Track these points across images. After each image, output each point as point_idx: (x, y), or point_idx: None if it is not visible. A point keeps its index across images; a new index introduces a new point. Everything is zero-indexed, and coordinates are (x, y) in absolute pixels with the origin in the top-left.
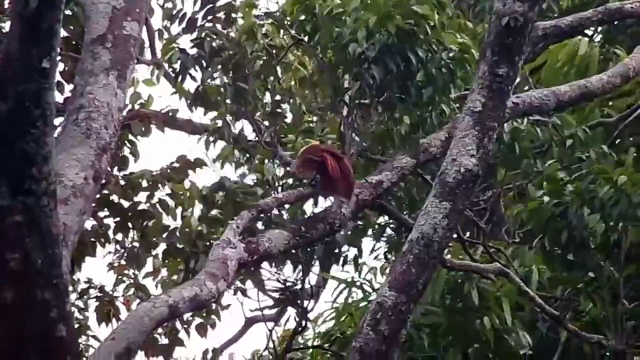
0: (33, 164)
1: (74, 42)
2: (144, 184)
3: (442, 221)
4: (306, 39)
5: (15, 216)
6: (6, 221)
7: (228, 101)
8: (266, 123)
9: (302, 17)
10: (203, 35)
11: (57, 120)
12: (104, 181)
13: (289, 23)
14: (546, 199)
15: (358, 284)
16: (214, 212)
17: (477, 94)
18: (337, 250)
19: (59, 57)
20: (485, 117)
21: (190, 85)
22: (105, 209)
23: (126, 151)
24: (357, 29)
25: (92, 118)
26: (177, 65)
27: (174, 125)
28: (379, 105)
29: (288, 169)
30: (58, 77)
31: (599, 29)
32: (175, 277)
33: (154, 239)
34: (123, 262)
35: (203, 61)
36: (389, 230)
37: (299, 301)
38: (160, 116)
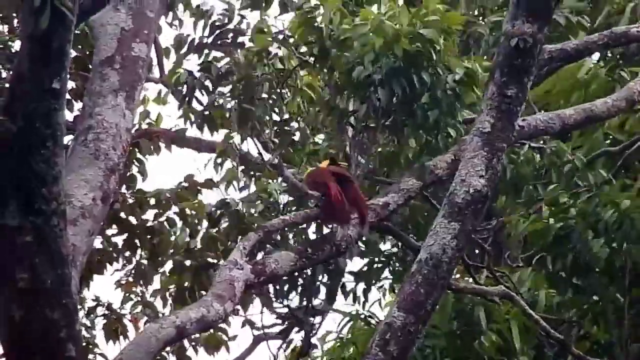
0: (43, 184)
1: (83, 61)
2: (152, 201)
3: (451, 242)
4: (313, 60)
5: (25, 236)
6: (16, 241)
7: (234, 124)
8: (272, 145)
9: (310, 39)
10: (210, 59)
11: (66, 139)
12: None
13: (295, 44)
14: (551, 221)
15: (362, 316)
16: (215, 231)
17: (486, 115)
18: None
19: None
20: (494, 137)
21: (196, 107)
22: (114, 227)
23: (134, 169)
24: (365, 53)
25: (101, 139)
26: (183, 88)
27: (182, 143)
28: (385, 127)
29: (296, 189)
30: (67, 96)
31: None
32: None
33: (160, 258)
34: (131, 279)
35: (210, 84)
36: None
37: (303, 326)
38: (169, 134)
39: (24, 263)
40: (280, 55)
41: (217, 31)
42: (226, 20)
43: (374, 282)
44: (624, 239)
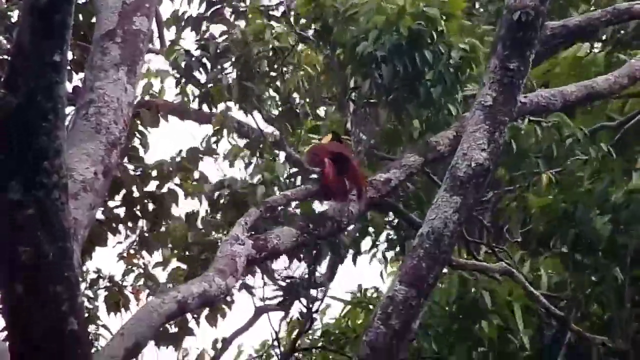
0: (45, 157)
1: (82, 32)
2: (154, 173)
3: (453, 215)
4: (314, 36)
5: (27, 210)
6: (18, 215)
7: (232, 103)
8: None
9: (313, 16)
10: (207, 35)
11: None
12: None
13: (296, 21)
14: (558, 197)
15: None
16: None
17: (488, 89)
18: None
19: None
20: (496, 111)
21: (195, 84)
22: (116, 198)
23: (136, 142)
24: (369, 30)
25: (102, 113)
26: (181, 66)
27: (183, 115)
28: (387, 104)
29: (297, 164)
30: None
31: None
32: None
33: (163, 228)
34: (132, 251)
35: (207, 62)
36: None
37: (304, 299)
38: (170, 106)
39: (26, 237)
40: (277, 32)
41: (213, 8)
42: None
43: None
44: (630, 219)
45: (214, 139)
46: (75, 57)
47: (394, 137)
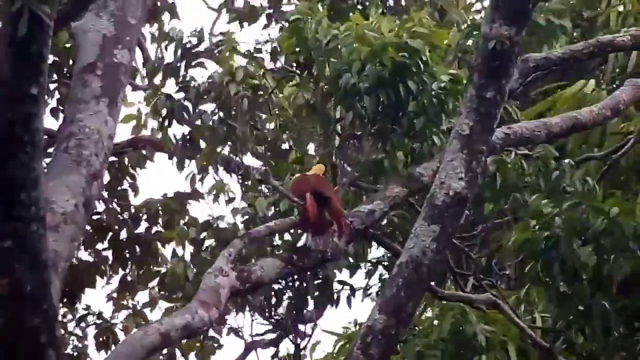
0: (22, 189)
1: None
2: (142, 215)
3: (432, 244)
4: (299, 70)
5: (4, 241)
6: None
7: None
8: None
9: (296, 49)
10: (188, 78)
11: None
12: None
13: (278, 56)
14: (536, 228)
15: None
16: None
17: (465, 118)
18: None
19: (54, 85)
20: (474, 140)
21: (176, 131)
22: (104, 242)
23: (125, 184)
24: (352, 61)
25: (83, 145)
26: (163, 112)
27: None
28: (371, 135)
29: (283, 196)
30: (54, 104)
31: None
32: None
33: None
34: (117, 294)
35: (189, 104)
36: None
37: (293, 335)
38: (154, 141)
39: (3, 268)
40: (250, 72)
41: (191, 51)
42: (196, 42)
43: (360, 287)
44: (613, 247)
45: (199, 176)
46: (62, 97)
47: (378, 169)
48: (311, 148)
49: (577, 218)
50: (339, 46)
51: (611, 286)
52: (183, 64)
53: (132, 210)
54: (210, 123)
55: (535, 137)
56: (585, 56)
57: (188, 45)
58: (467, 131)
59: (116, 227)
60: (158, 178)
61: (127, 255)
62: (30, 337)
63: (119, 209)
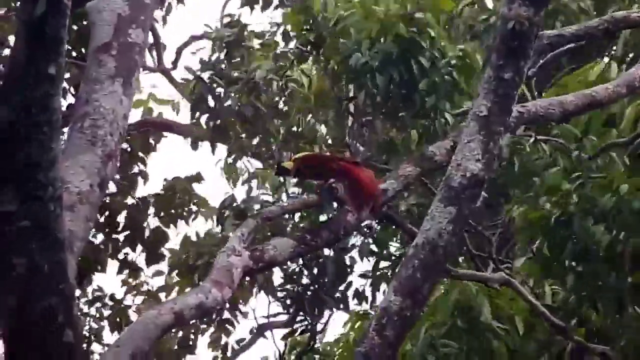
0: (39, 169)
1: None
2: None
3: (448, 226)
4: (309, 49)
5: (21, 221)
6: (11, 226)
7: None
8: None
9: (305, 28)
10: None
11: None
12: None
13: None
14: (548, 206)
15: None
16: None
17: (483, 99)
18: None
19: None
20: (491, 121)
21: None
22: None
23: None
24: (361, 39)
25: (98, 125)
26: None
27: (173, 130)
28: (383, 115)
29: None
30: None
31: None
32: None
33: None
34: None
35: (220, 91)
36: None
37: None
38: (169, 123)
39: (20, 249)
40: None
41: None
42: (236, 38)
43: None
44: (623, 226)
45: (230, 159)
46: (70, 76)
47: (391, 148)
48: (323, 129)
49: (589, 195)
50: (347, 25)
51: (624, 264)
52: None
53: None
54: (238, 106)
55: (549, 115)
56: (599, 32)
57: (228, 40)
58: (485, 112)
59: (122, 214)
60: (166, 164)
61: (136, 238)
62: (48, 317)
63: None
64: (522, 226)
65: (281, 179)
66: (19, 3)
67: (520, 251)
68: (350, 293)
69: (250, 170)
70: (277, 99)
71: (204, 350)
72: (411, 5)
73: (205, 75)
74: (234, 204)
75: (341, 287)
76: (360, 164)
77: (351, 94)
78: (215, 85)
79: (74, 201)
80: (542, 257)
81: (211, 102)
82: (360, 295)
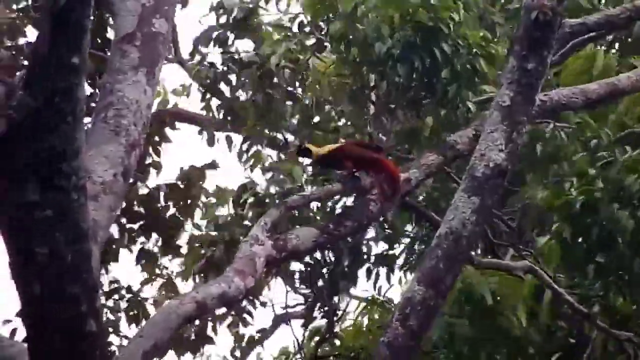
0: (63, 159)
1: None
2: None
3: (472, 216)
4: (328, 38)
5: (45, 211)
6: (36, 216)
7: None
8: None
9: (324, 18)
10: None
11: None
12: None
13: (310, 23)
14: (574, 193)
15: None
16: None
17: (506, 89)
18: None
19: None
20: (514, 111)
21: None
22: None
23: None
24: (380, 26)
25: (122, 115)
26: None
27: (184, 119)
28: (405, 103)
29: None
30: None
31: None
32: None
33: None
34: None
35: (232, 76)
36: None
37: (327, 308)
38: (184, 113)
39: (43, 238)
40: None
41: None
42: (247, 14)
43: (397, 265)
44: None
45: (245, 146)
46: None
47: (413, 137)
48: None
49: (612, 178)
50: (366, 11)
51: None
52: (232, 35)
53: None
54: (251, 93)
55: (572, 104)
56: (622, 21)
57: (239, 17)
58: (508, 102)
59: (138, 205)
60: (180, 154)
61: (151, 228)
62: (71, 307)
63: (140, 183)
64: (546, 210)
65: (302, 169)
66: None
67: (542, 234)
68: (361, 273)
69: (266, 156)
70: (290, 87)
71: (221, 338)
72: None
73: (217, 60)
74: (253, 189)
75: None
76: (383, 152)
77: (372, 83)
78: (227, 68)
79: (98, 191)
80: (563, 242)
81: (223, 89)
82: (374, 280)
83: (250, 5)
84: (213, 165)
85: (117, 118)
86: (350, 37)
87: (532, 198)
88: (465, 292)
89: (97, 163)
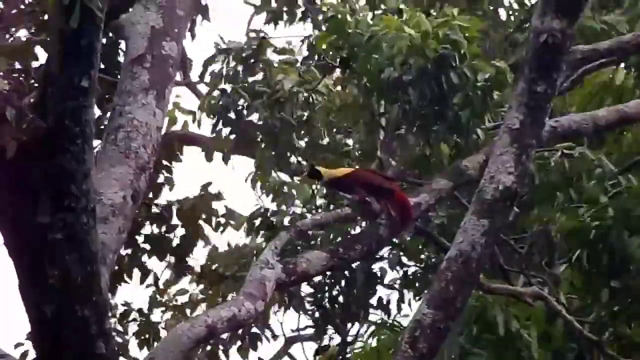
0: (73, 181)
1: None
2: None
3: (481, 239)
4: (340, 64)
5: (55, 233)
6: (47, 238)
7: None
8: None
9: (338, 44)
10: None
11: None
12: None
13: (318, 52)
14: (588, 218)
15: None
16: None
17: (515, 112)
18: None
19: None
20: (524, 134)
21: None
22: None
23: (161, 178)
24: (394, 55)
25: (131, 138)
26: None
27: (193, 143)
28: (416, 129)
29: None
30: None
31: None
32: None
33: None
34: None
35: (243, 102)
36: None
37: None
38: (192, 137)
39: (54, 260)
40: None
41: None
42: (256, 52)
43: (409, 291)
44: None
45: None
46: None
47: (424, 162)
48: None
49: (626, 207)
50: (380, 41)
51: None
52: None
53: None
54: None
55: (582, 130)
56: (633, 47)
57: (247, 54)
58: (517, 125)
59: (148, 223)
60: (188, 174)
61: (164, 250)
62: (80, 328)
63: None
64: (563, 236)
65: (311, 190)
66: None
67: (552, 261)
68: (373, 301)
69: (278, 181)
70: (300, 112)
71: None
72: (442, 26)
73: (228, 88)
74: (264, 215)
75: (371, 300)
76: (395, 181)
77: (382, 109)
78: (237, 96)
79: (107, 213)
80: (583, 268)
81: (233, 116)
82: (385, 307)
83: (254, 45)
84: (218, 197)
85: (127, 140)
86: (364, 64)
87: (542, 224)
88: (478, 315)
89: (107, 185)
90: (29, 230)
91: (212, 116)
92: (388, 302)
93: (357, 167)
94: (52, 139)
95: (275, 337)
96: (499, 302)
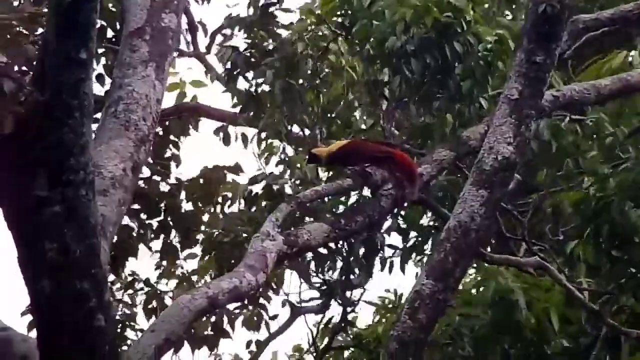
0: (71, 154)
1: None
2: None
3: (480, 209)
4: (344, 33)
5: (53, 206)
6: (44, 211)
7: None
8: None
9: (339, 12)
10: (259, 36)
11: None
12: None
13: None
14: (591, 191)
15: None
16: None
17: (514, 82)
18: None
19: (101, 50)
20: (522, 105)
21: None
22: (146, 209)
23: (168, 153)
24: (396, 23)
25: (131, 110)
26: (228, 65)
27: (205, 115)
28: (418, 99)
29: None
30: (100, 70)
31: None
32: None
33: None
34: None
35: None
36: None
37: (341, 301)
38: (205, 109)
39: (52, 233)
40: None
41: (268, 9)
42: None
43: (412, 256)
44: None
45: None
46: (109, 62)
47: (426, 133)
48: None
49: (629, 179)
50: (382, 8)
51: None
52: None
53: (173, 181)
54: (271, 81)
55: (584, 100)
56: (635, 17)
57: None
58: (516, 96)
59: (157, 200)
60: (200, 147)
61: (171, 223)
62: (79, 302)
63: (159, 178)
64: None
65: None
66: None
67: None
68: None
69: (283, 150)
70: (311, 78)
71: (237, 332)
72: None
73: (240, 45)
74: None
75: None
76: (396, 147)
77: (385, 78)
78: (249, 54)
79: (107, 185)
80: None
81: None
82: (389, 268)
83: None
84: (236, 169)
85: (127, 113)
86: (365, 31)
87: (546, 193)
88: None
89: (107, 158)
90: (27, 204)
91: (224, 70)
92: (392, 265)
93: (361, 138)
94: (50, 112)
95: (276, 292)
96: (520, 285)
